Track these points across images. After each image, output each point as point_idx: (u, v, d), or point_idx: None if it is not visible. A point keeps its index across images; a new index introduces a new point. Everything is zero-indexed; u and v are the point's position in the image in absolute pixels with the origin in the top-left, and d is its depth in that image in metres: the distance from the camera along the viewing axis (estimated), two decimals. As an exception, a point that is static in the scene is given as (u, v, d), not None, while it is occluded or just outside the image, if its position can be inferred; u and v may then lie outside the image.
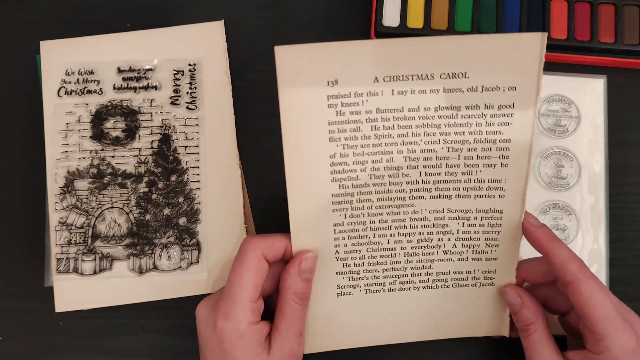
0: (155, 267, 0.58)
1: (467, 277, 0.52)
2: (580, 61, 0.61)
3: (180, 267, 0.58)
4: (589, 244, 0.58)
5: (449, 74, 0.46)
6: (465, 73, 0.46)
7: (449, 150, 0.48)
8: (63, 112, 0.60)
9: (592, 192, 0.59)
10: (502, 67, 0.46)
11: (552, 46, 0.60)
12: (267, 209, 0.59)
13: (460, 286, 0.53)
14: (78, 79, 0.60)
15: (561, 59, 0.61)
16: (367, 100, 0.47)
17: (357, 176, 0.49)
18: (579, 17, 0.61)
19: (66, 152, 0.59)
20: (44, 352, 0.58)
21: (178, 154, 0.59)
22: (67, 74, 0.60)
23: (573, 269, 0.47)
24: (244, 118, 0.60)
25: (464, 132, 0.47)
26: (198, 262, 0.58)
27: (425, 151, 0.48)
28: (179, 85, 0.60)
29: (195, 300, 0.57)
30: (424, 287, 0.52)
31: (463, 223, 0.50)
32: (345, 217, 0.50)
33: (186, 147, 0.59)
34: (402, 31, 0.60)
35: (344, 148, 0.48)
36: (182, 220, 0.59)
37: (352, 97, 0.46)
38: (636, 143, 0.61)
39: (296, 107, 0.46)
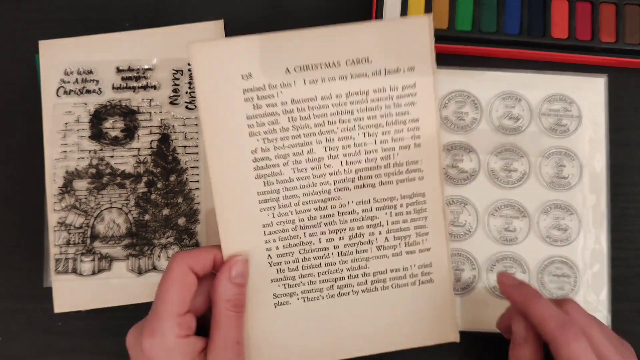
0: (154, 268, 0.58)
1: (405, 275, 0.52)
2: (581, 61, 0.61)
3: (179, 266, 0.58)
4: (590, 243, 0.58)
5: (353, 60, 0.48)
6: (367, 58, 0.48)
7: (365, 136, 0.50)
8: (62, 112, 0.60)
9: (594, 192, 0.59)
10: (399, 50, 0.49)
11: (553, 46, 0.60)
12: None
13: (400, 286, 0.52)
14: (77, 79, 0.60)
15: (562, 58, 0.61)
16: (281, 92, 0.48)
17: (280, 171, 0.49)
18: (579, 17, 0.61)
19: (65, 152, 0.59)
20: (43, 353, 0.58)
21: (177, 153, 0.59)
22: (66, 73, 0.60)
23: (550, 328, 0.45)
24: (244, 118, 0.60)
25: (375, 115, 0.49)
26: (197, 262, 0.58)
27: (343, 139, 0.49)
28: (178, 85, 0.60)
29: (194, 300, 0.57)
30: (363, 291, 0.52)
31: (390, 212, 0.51)
32: (273, 217, 0.50)
33: (185, 147, 0.59)
34: None
35: (264, 142, 0.49)
36: (182, 221, 0.59)
37: (267, 89, 0.48)
38: (637, 143, 0.61)
39: (214, 103, 0.48)
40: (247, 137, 0.49)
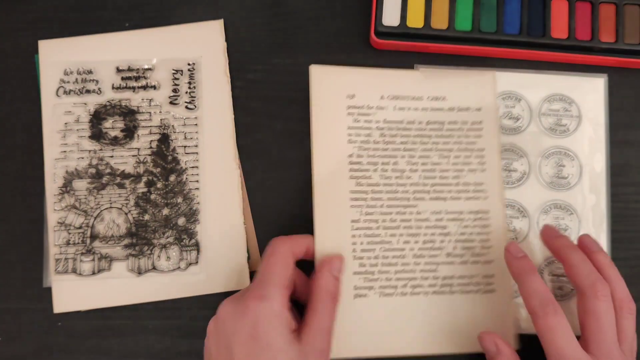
0: (154, 268, 0.58)
1: (470, 283, 0.57)
2: (581, 61, 0.61)
3: (179, 267, 0.58)
4: None
5: (433, 96, 0.60)
6: (444, 97, 0.60)
7: (439, 157, 0.59)
8: (62, 112, 0.60)
9: (594, 192, 0.60)
10: (469, 94, 0.60)
11: (553, 46, 0.60)
12: (266, 209, 0.59)
13: (465, 292, 0.57)
14: (77, 79, 0.60)
15: (562, 58, 0.61)
16: (376, 112, 0.59)
17: (370, 175, 0.57)
18: (579, 17, 0.61)
19: (65, 152, 0.59)
20: (43, 353, 0.58)
21: (177, 153, 0.59)
22: (66, 73, 0.60)
23: (532, 305, 0.50)
24: (243, 118, 0.60)
25: (449, 142, 0.59)
26: (197, 262, 0.58)
27: (422, 157, 0.58)
28: (178, 85, 0.60)
29: (194, 300, 0.58)
30: (433, 292, 0.57)
31: (459, 224, 0.58)
32: (361, 214, 0.57)
33: (185, 147, 0.59)
34: (402, 30, 0.60)
35: (359, 150, 0.58)
36: (181, 221, 0.59)
37: (365, 109, 0.59)
38: (637, 142, 0.61)
39: (324, 114, 0.58)
40: (347, 144, 0.58)
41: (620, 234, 0.59)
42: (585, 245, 0.54)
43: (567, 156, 0.60)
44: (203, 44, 0.61)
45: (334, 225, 0.57)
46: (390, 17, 0.60)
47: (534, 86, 0.60)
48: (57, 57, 0.60)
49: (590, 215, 0.59)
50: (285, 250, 0.52)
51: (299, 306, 0.53)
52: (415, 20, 0.60)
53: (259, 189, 0.59)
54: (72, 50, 0.60)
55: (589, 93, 0.61)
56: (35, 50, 0.60)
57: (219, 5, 0.62)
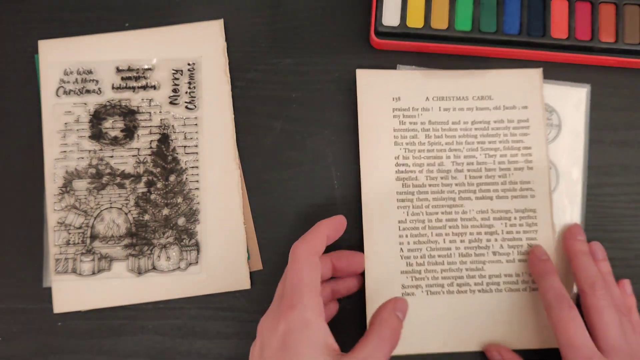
0: (154, 268, 0.58)
1: (517, 281, 0.58)
2: (581, 61, 0.61)
3: (179, 267, 0.58)
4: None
5: (478, 96, 0.60)
6: (490, 96, 0.60)
7: (485, 157, 0.59)
8: (62, 112, 0.60)
9: (570, 201, 0.60)
10: (516, 92, 0.60)
11: (553, 46, 0.60)
12: (266, 209, 0.59)
13: (512, 290, 0.58)
14: (77, 79, 0.60)
15: (562, 58, 0.61)
16: (421, 114, 0.60)
17: (416, 177, 0.59)
18: (579, 17, 0.61)
19: (65, 152, 0.59)
20: (43, 353, 0.58)
21: (177, 154, 0.59)
22: (66, 73, 0.60)
23: (548, 298, 0.53)
24: (243, 118, 0.60)
25: (495, 141, 0.60)
26: (197, 262, 0.58)
27: (468, 157, 0.59)
28: (178, 85, 0.60)
29: (194, 300, 0.58)
30: (479, 291, 0.58)
31: (505, 223, 0.59)
32: (407, 215, 0.58)
33: (185, 147, 0.59)
34: (402, 30, 0.60)
35: (405, 151, 0.59)
36: (181, 221, 0.59)
37: (411, 110, 0.60)
38: (637, 142, 0.61)
39: (370, 116, 0.59)
40: (393, 146, 0.59)
41: (621, 234, 0.60)
42: (591, 251, 0.57)
43: (545, 165, 0.61)
44: (203, 44, 0.61)
45: (381, 226, 0.58)
46: (390, 17, 0.60)
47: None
48: (57, 57, 0.60)
49: (564, 224, 0.60)
50: (304, 252, 0.50)
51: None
52: (415, 20, 0.60)
53: (259, 189, 0.59)
54: (72, 50, 0.60)
55: (571, 102, 0.61)
56: (35, 50, 0.60)
57: (219, 5, 0.62)
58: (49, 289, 0.58)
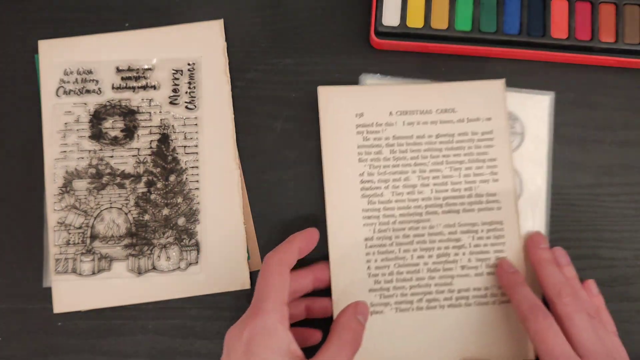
0: (154, 268, 0.58)
1: (486, 294, 0.58)
2: (581, 61, 0.61)
3: (179, 267, 0.58)
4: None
5: (442, 109, 0.60)
6: (453, 108, 0.60)
7: (451, 170, 0.59)
8: (62, 112, 0.60)
9: (533, 208, 0.60)
10: (479, 104, 0.60)
11: (553, 46, 0.61)
12: (266, 209, 0.59)
13: (481, 304, 0.58)
14: (77, 79, 0.60)
15: (562, 58, 0.61)
16: (385, 129, 0.59)
17: (382, 193, 0.58)
18: (579, 17, 0.61)
19: (65, 152, 0.59)
20: (43, 353, 0.58)
21: (177, 154, 0.59)
22: (66, 73, 0.60)
23: (523, 310, 0.52)
24: (243, 118, 0.60)
25: (460, 154, 0.59)
26: (197, 262, 0.58)
27: (433, 171, 0.59)
28: (178, 85, 0.60)
29: (194, 300, 0.58)
30: (449, 306, 0.57)
31: (473, 236, 0.58)
32: (374, 232, 0.58)
33: (185, 147, 0.59)
34: (402, 30, 0.60)
35: (370, 168, 0.58)
36: (181, 221, 0.59)
37: (374, 126, 0.59)
38: (637, 142, 0.61)
39: (334, 134, 0.59)
40: (357, 163, 0.58)
41: (621, 234, 0.60)
42: (555, 257, 0.57)
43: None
44: (203, 44, 0.61)
45: (347, 244, 0.57)
46: (390, 17, 0.60)
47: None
48: (57, 57, 0.60)
49: (528, 232, 0.60)
50: (275, 262, 0.51)
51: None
52: (415, 20, 0.60)
53: (259, 189, 0.59)
54: (72, 50, 0.60)
55: (534, 109, 0.61)
56: (35, 50, 0.60)
57: (219, 5, 0.62)
58: (49, 289, 0.58)
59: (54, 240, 0.58)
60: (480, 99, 0.60)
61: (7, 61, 0.61)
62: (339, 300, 0.56)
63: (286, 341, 0.47)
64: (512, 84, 0.61)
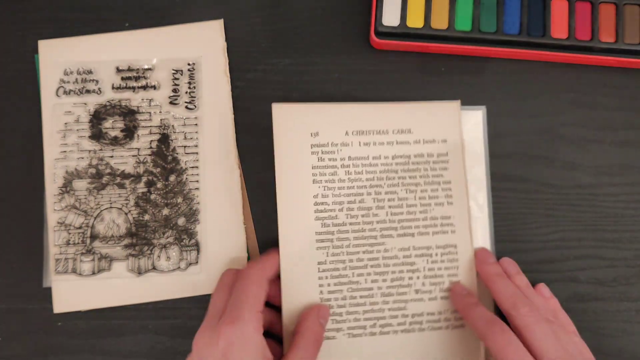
0: (154, 268, 0.58)
1: (440, 319, 0.57)
2: (581, 61, 0.62)
3: (179, 267, 0.58)
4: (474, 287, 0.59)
5: (398, 129, 0.59)
6: (410, 129, 0.59)
7: (407, 192, 0.59)
8: (62, 112, 0.60)
9: (477, 225, 0.60)
10: (434, 125, 0.60)
11: (553, 46, 0.61)
12: (266, 209, 0.59)
13: (435, 329, 0.57)
14: (77, 79, 0.60)
15: (562, 58, 0.61)
16: (341, 149, 0.58)
17: (336, 215, 0.57)
18: (579, 17, 0.61)
19: (65, 152, 0.59)
20: (43, 353, 0.58)
21: (177, 154, 0.59)
22: (66, 73, 0.60)
23: (479, 327, 0.52)
24: (243, 118, 0.60)
25: (415, 175, 0.59)
26: (197, 262, 0.58)
27: (389, 193, 0.58)
28: (178, 85, 0.60)
29: (194, 300, 0.58)
30: (402, 331, 0.57)
31: (427, 260, 0.58)
32: (327, 256, 0.57)
33: (185, 147, 0.59)
34: (402, 30, 0.60)
35: (324, 189, 0.58)
36: (181, 221, 0.59)
37: (330, 146, 0.58)
38: (637, 142, 0.61)
39: (287, 153, 0.58)
40: (311, 184, 0.57)
41: (621, 234, 0.60)
42: (504, 268, 0.58)
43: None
44: (203, 44, 0.61)
45: (299, 268, 0.57)
46: (390, 17, 0.60)
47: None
48: (57, 57, 0.60)
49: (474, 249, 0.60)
50: (255, 273, 0.52)
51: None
52: (415, 20, 0.60)
53: (259, 188, 0.59)
54: (72, 50, 0.60)
55: (469, 126, 0.61)
56: (35, 50, 0.60)
57: (219, 5, 0.62)
58: (49, 289, 0.58)
59: (54, 240, 0.58)
60: (436, 120, 0.60)
61: (7, 61, 0.61)
62: (290, 324, 0.56)
63: (261, 348, 0.49)
64: (511, 84, 0.62)
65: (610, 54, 0.61)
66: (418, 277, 0.57)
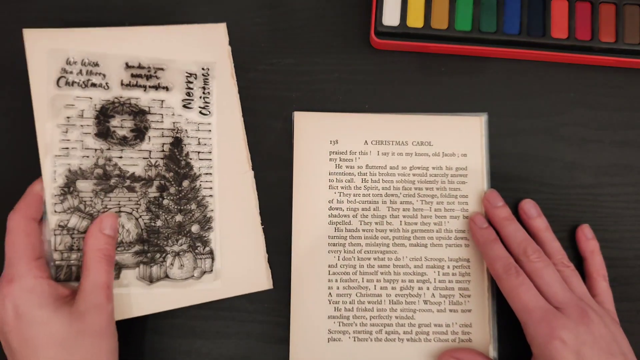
0: (167, 276, 0.59)
1: (447, 331, 0.61)
2: (581, 61, 0.64)
3: (193, 275, 0.59)
4: None
5: (418, 141, 0.63)
6: (430, 142, 0.63)
7: (422, 203, 0.62)
8: (62, 105, 0.58)
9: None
10: (455, 139, 0.63)
11: (553, 46, 0.63)
12: (267, 208, 0.62)
13: (441, 341, 0.60)
14: (81, 70, 0.59)
15: (562, 58, 0.64)
16: (359, 158, 0.62)
17: (350, 221, 0.61)
18: (579, 17, 0.63)
19: (67, 148, 0.58)
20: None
21: (190, 159, 0.60)
22: (69, 62, 0.59)
23: (496, 268, 0.57)
24: (244, 118, 0.62)
25: (432, 187, 0.62)
26: (212, 270, 0.59)
27: (404, 203, 0.62)
28: (192, 89, 0.61)
29: (201, 303, 0.59)
30: (408, 340, 0.60)
31: (438, 272, 0.61)
32: (338, 260, 0.61)
33: (199, 152, 0.61)
34: (402, 30, 0.62)
35: (340, 195, 0.62)
36: (195, 228, 0.60)
37: (348, 154, 0.62)
38: (637, 142, 0.64)
39: (306, 159, 0.61)
40: (327, 189, 0.62)
41: (621, 234, 0.64)
42: (524, 211, 0.62)
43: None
44: (213, 47, 0.63)
45: (310, 269, 0.60)
46: (390, 17, 0.63)
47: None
48: (59, 44, 0.59)
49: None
50: (18, 220, 0.54)
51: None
52: (415, 20, 0.63)
53: (259, 188, 0.62)
54: (77, 41, 0.60)
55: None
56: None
57: (219, 6, 0.65)
58: None
59: (55, 244, 0.57)
60: (457, 134, 0.63)
61: (7, 61, 0.64)
62: (297, 327, 0.60)
63: (49, 291, 0.52)
64: (511, 84, 0.65)
65: (610, 54, 0.63)
66: (428, 288, 0.60)
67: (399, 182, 0.62)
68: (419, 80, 0.66)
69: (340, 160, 0.62)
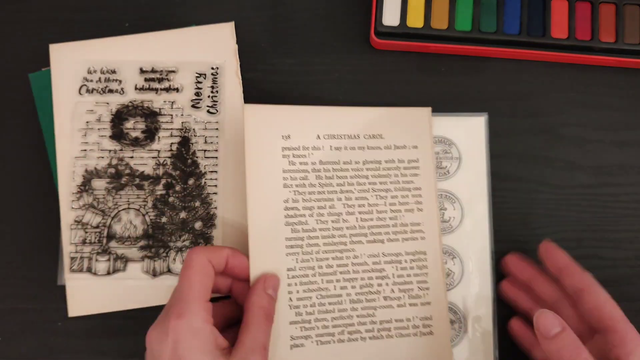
0: (169, 271, 0.64)
1: (408, 326, 0.63)
2: (581, 61, 0.69)
3: (195, 271, 0.62)
4: (474, 288, 0.66)
5: (370, 134, 0.65)
6: (381, 134, 0.65)
7: (377, 198, 0.64)
8: (84, 111, 0.66)
9: (477, 234, 0.67)
10: (406, 131, 0.66)
11: (553, 46, 0.68)
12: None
13: (403, 336, 0.63)
14: (100, 78, 0.66)
15: (562, 58, 0.69)
16: (312, 153, 0.63)
17: (306, 221, 0.62)
18: (579, 17, 0.68)
19: (85, 150, 0.65)
20: (43, 353, 0.64)
21: (197, 157, 0.65)
22: (90, 72, 0.66)
23: (573, 283, 0.58)
24: (243, 118, 0.64)
25: (386, 182, 0.65)
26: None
27: (359, 199, 0.64)
28: (201, 89, 0.66)
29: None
30: (370, 338, 0.62)
31: (396, 267, 0.64)
32: (297, 262, 0.62)
33: (205, 150, 0.65)
34: (402, 30, 0.67)
35: (295, 194, 0.63)
36: (198, 225, 0.65)
37: (301, 150, 0.63)
38: (637, 142, 0.69)
39: (258, 156, 0.62)
40: (282, 188, 0.62)
41: (621, 234, 0.67)
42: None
43: (448, 199, 0.67)
44: (222, 47, 0.67)
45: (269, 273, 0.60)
46: (390, 17, 0.67)
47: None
48: (81, 55, 0.66)
49: (472, 259, 0.66)
50: (202, 261, 0.55)
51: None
52: (415, 20, 0.67)
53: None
54: (96, 50, 0.67)
55: (470, 133, 0.68)
56: (35, 50, 0.67)
57: (219, 6, 0.69)
58: (49, 289, 0.64)
59: (70, 238, 0.64)
60: (407, 126, 0.66)
61: (8, 61, 0.68)
62: None
63: (212, 338, 0.52)
64: (511, 84, 0.69)
65: (610, 54, 0.68)
66: (387, 284, 0.63)
67: (353, 178, 0.64)
68: (419, 80, 0.70)
69: (293, 156, 0.63)
